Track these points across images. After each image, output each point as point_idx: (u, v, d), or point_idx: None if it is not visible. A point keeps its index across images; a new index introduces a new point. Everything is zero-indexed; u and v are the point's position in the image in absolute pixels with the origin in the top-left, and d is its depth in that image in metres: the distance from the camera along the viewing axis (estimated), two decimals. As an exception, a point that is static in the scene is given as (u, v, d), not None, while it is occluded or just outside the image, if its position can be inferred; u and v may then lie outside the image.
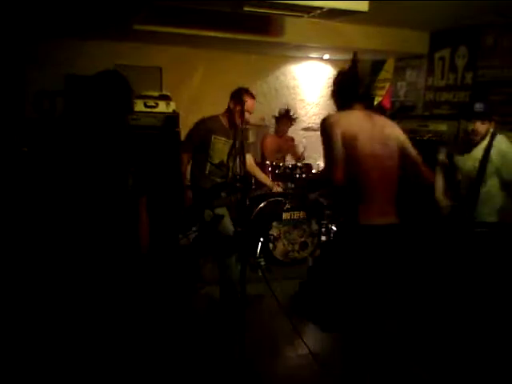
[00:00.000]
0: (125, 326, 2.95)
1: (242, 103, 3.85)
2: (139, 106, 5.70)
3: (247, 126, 4.59)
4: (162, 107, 5.84)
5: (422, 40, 6.25)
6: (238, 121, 3.92)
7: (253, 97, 4.18)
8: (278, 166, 5.42)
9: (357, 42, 5.84)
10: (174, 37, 5.40)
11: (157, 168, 4.22)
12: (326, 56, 7.08)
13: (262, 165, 5.69)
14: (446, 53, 6.01)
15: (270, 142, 6.14)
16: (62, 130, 2.87)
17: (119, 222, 2.80)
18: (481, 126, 3.50)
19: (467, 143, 3.63)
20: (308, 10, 3.78)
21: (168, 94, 6.07)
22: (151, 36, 5.44)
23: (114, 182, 2.78)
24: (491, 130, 3.56)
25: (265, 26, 5.21)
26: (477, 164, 3.52)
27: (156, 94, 5.99)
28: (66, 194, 2.65)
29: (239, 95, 4.03)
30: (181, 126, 5.90)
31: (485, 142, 3.53)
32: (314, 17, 3.97)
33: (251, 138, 6.60)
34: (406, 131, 3.35)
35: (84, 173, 2.67)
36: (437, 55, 6.16)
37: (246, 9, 3.82)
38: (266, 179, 4.94)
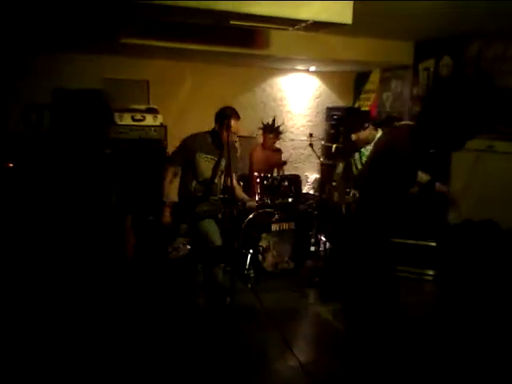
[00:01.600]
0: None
1: (226, 126, 3.90)
2: (126, 120, 5.72)
3: (235, 142, 4.54)
4: (149, 120, 5.88)
5: (407, 51, 6.33)
6: (224, 141, 3.95)
7: (237, 117, 4.14)
8: (266, 178, 5.42)
9: (342, 53, 5.90)
10: (161, 50, 5.43)
11: (143, 183, 4.25)
12: (312, 68, 7.15)
13: (249, 177, 5.70)
14: (430, 63, 6.08)
15: (258, 154, 6.13)
16: (48, 146, 2.91)
17: (100, 239, 2.83)
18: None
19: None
20: (293, 22, 3.81)
21: (155, 107, 6.10)
22: (138, 49, 5.46)
23: (96, 200, 2.82)
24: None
25: (250, 38, 5.25)
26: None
27: (143, 107, 6.02)
28: (48, 209, 2.67)
29: (223, 118, 4.03)
30: (168, 139, 5.94)
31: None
32: (298, 29, 3.99)
33: (239, 151, 6.61)
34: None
35: (65, 192, 2.70)
36: (421, 66, 6.24)
37: (231, 22, 3.84)
38: (244, 197, 4.73)
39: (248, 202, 4.85)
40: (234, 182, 4.52)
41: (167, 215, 4.14)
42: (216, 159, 4.18)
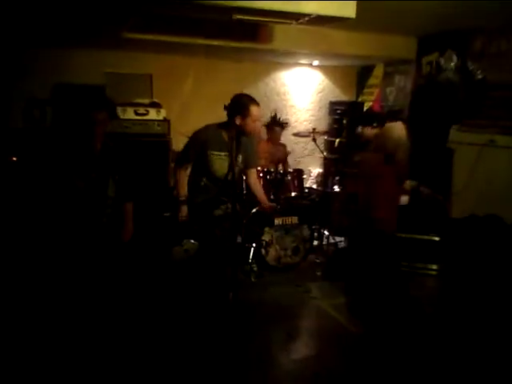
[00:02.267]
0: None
1: (249, 115, 3.66)
2: (130, 114, 5.74)
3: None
4: (152, 115, 5.89)
5: (410, 45, 6.31)
6: (250, 133, 3.76)
7: (257, 103, 3.80)
8: (269, 172, 5.43)
9: (345, 48, 5.89)
10: (164, 45, 5.42)
11: (145, 175, 4.26)
12: (316, 62, 7.14)
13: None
14: (433, 57, 6.07)
15: (262, 149, 6.10)
16: (51, 141, 3.00)
17: (96, 228, 2.89)
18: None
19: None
20: (296, 16, 3.81)
21: (158, 101, 6.10)
22: (141, 44, 5.45)
23: (94, 189, 2.88)
24: None
25: (254, 33, 5.25)
26: None
27: (146, 101, 6.03)
28: (49, 201, 2.72)
29: (245, 107, 3.68)
30: (171, 133, 5.95)
31: None
32: (302, 23, 3.99)
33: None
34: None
35: (65, 181, 2.75)
36: (424, 60, 6.22)
37: (235, 17, 3.84)
38: (263, 199, 4.36)
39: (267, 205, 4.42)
40: (253, 178, 4.29)
41: (185, 212, 3.91)
42: (231, 155, 3.69)
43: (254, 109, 3.71)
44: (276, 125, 6.13)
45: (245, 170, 4.17)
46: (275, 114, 6.24)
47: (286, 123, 6.34)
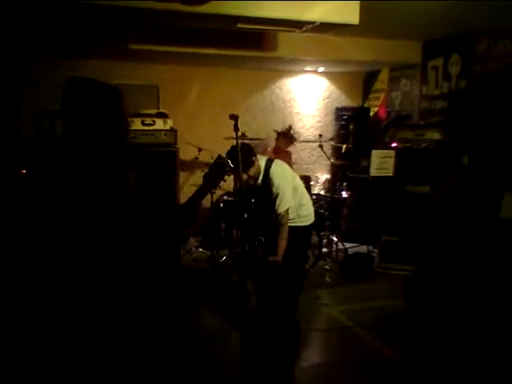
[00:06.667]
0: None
1: None
2: (137, 125, 5.77)
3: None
4: (159, 125, 5.90)
5: (415, 50, 6.32)
6: None
7: None
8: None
9: (350, 54, 5.90)
10: (170, 55, 5.47)
11: (153, 185, 4.22)
12: (321, 69, 7.15)
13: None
14: (439, 61, 6.07)
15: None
16: (62, 151, 2.77)
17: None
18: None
19: None
20: (300, 24, 3.83)
21: (165, 111, 6.13)
22: (147, 55, 5.50)
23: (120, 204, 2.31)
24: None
25: (258, 41, 5.28)
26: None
27: (153, 111, 6.05)
28: (67, 217, 2.37)
29: None
30: (178, 143, 5.98)
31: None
32: (306, 31, 4.02)
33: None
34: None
35: (88, 194, 2.37)
36: (430, 64, 6.23)
37: (239, 25, 3.87)
38: None
39: None
40: None
41: None
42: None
43: None
44: (287, 138, 6.14)
45: None
46: (290, 127, 6.24)
47: (295, 140, 6.34)
